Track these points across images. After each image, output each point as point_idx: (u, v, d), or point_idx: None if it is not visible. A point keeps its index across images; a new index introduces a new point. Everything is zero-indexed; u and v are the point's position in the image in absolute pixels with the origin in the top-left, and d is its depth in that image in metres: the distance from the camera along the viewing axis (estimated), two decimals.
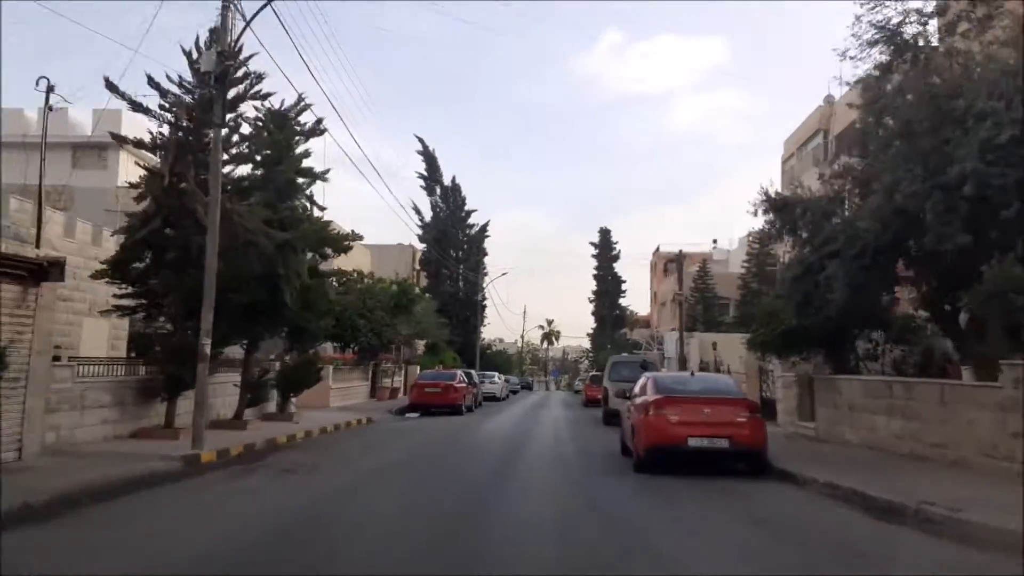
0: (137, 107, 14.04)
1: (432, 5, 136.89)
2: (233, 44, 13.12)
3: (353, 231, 17.28)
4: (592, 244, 76.44)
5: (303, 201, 17.15)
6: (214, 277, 12.65)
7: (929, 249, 9.56)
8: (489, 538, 6.89)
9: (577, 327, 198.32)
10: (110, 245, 18.50)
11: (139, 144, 14.60)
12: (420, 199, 58.65)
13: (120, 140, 14.82)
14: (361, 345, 30.02)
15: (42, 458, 10.73)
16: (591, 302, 76.92)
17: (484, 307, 61.57)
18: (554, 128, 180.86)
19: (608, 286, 75.46)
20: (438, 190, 60.25)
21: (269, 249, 13.64)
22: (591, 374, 39.07)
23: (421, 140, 60.55)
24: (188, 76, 14.51)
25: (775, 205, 13.42)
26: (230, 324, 14.23)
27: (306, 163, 17.60)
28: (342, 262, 33.83)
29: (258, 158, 16.25)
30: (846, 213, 12.68)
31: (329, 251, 17.29)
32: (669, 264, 63.85)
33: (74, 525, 7.14)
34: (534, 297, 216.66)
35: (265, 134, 15.91)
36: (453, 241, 59.44)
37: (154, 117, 14.19)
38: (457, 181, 61.00)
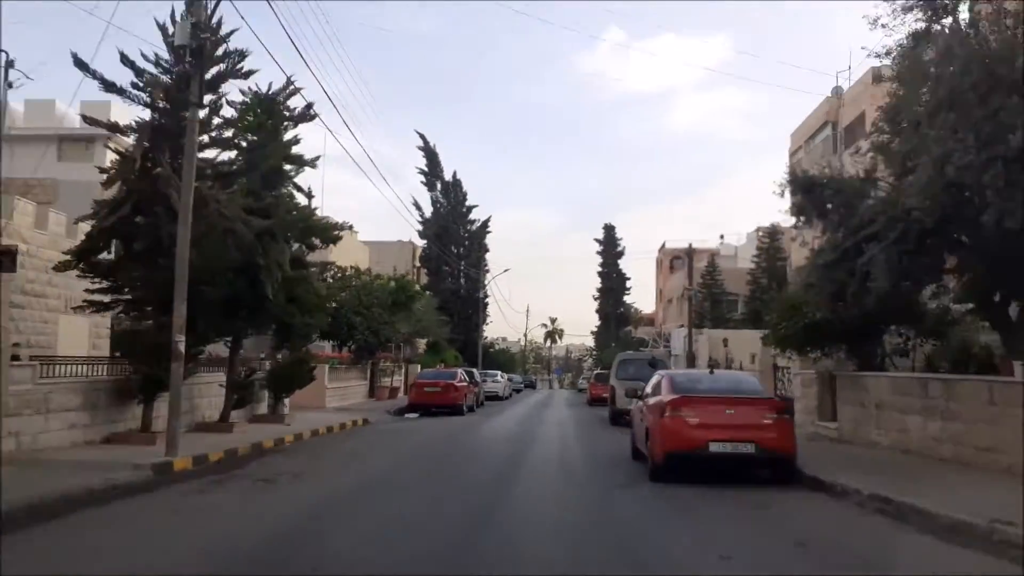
0: (109, 87, 13.01)
1: (433, 5, 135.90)
2: (210, 15, 12.09)
3: (343, 221, 16.15)
4: (596, 240, 75.39)
5: (289, 189, 16.11)
6: (186, 267, 11.62)
7: (987, 228, 8.48)
8: (489, 567, 5.85)
9: (580, 325, 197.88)
10: None
11: (114, 128, 13.58)
12: (421, 197, 57.62)
13: (93, 123, 13.79)
14: (358, 343, 28.98)
15: None
16: (595, 299, 75.90)
17: (486, 304, 60.61)
18: (555, 127, 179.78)
19: (612, 283, 74.33)
20: (439, 186, 59.18)
21: (248, 237, 12.60)
22: (596, 372, 37.99)
23: (421, 135, 59.49)
24: (165, 54, 13.50)
25: (803, 185, 12.32)
26: (207, 320, 13.20)
27: (295, 150, 16.64)
28: (339, 258, 32.83)
29: (243, 144, 15.22)
30: (880, 194, 11.58)
31: (317, 241, 16.22)
32: (675, 260, 62.93)
33: None
34: (537, 296, 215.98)
35: (250, 117, 14.86)
36: (454, 237, 58.39)
37: (128, 98, 13.17)
38: (458, 177, 59.94)
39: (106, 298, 14.38)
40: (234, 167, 14.11)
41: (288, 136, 16.42)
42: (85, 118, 13.81)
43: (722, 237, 60.51)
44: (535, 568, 5.88)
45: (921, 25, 10.86)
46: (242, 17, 21.93)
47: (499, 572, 5.71)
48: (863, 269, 10.58)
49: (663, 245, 64.47)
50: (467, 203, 60.20)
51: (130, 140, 14.16)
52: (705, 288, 47.47)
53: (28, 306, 17.32)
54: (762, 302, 44.79)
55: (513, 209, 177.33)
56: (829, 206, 12.08)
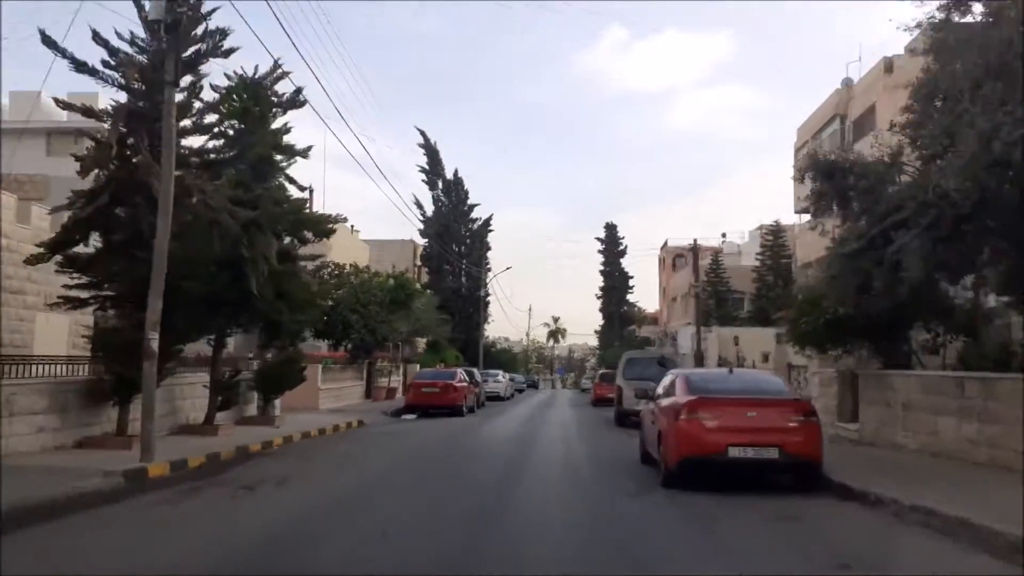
0: (81, 67, 12.18)
1: (433, 5, 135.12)
2: None
3: (337, 214, 15.28)
4: (598, 239, 74.47)
5: (280, 180, 15.27)
6: (164, 260, 10.78)
7: None
8: None
9: (583, 325, 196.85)
10: None
11: (88, 112, 12.73)
12: (422, 195, 56.80)
13: (66, 107, 12.95)
14: (354, 342, 28.12)
15: None
16: (598, 299, 75.00)
17: (487, 303, 59.76)
18: (556, 126, 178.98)
19: (615, 282, 73.39)
20: (440, 184, 58.32)
21: (234, 229, 11.75)
22: (601, 372, 37.06)
23: (422, 132, 58.60)
24: (142, 32, 12.67)
25: (824, 170, 11.42)
26: (188, 316, 12.35)
27: (290, 142, 15.82)
28: (339, 256, 32.00)
29: (230, 132, 14.39)
30: (906, 178, 10.71)
31: (309, 235, 15.36)
32: (678, 259, 62.19)
33: None
34: (539, 296, 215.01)
35: (235, 101, 14.03)
36: (455, 236, 57.54)
37: (100, 79, 12.34)
38: (459, 175, 59.07)
39: (84, 294, 13.56)
40: (220, 155, 13.22)
41: (277, 124, 15.63)
42: (57, 101, 12.96)
43: (724, 235, 59.71)
44: None
45: None
46: (242, 18, 21.08)
47: None
48: (893, 258, 9.71)
49: (665, 243, 63.69)
50: (468, 201, 59.39)
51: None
52: (710, 286, 46.63)
53: (5, 303, 16.50)
54: (768, 300, 44.15)
55: (514, 209, 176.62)
56: (852, 193, 11.20)
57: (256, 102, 14.79)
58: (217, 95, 13.88)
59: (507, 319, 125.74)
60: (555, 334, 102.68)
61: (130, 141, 12.02)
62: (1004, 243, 9.51)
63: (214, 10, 12.70)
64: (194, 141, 13.52)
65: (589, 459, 13.00)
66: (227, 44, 12.86)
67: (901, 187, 10.44)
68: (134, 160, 11.92)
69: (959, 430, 11.15)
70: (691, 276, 50.66)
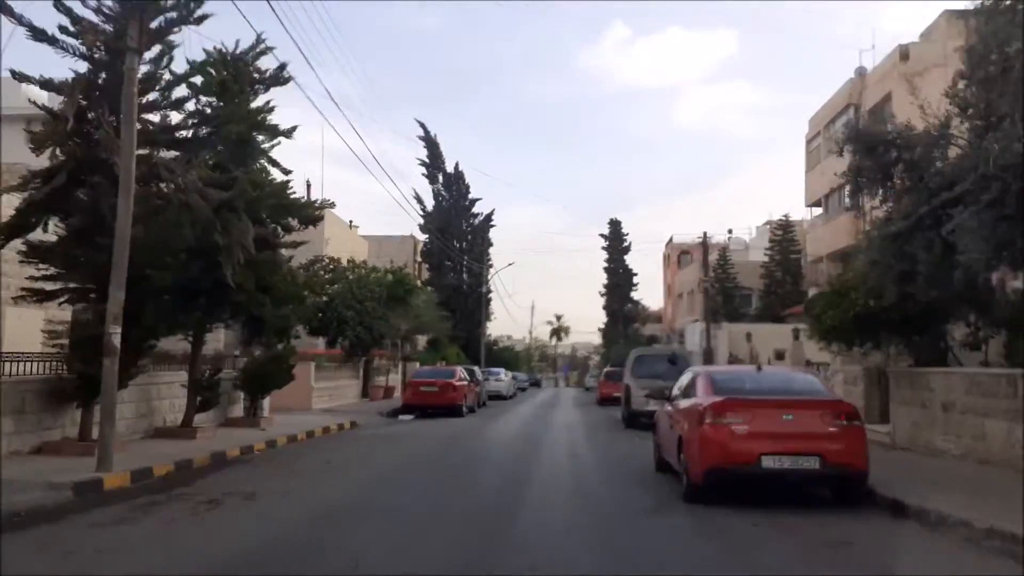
0: (39, 35, 11.02)
1: (435, 3, 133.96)
2: None
3: (324, 199, 14.09)
4: (602, 236, 73.10)
5: (262, 163, 14.14)
6: (126, 246, 9.66)
7: None
8: None
9: (586, 322, 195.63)
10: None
11: (46, 85, 11.60)
12: (423, 190, 55.69)
13: (22, 79, 11.79)
14: (350, 339, 26.99)
15: None
16: (602, 296, 73.70)
17: (489, 300, 58.62)
18: (559, 123, 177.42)
19: (619, 279, 72.11)
20: (440, 177, 57.19)
21: (205, 212, 10.61)
22: (606, 370, 35.84)
23: (422, 124, 57.49)
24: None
25: (866, 143, 10.23)
26: (158, 309, 11.23)
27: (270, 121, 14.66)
28: (337, 252, 30.86)
29: (207, 110, 13.25)
30: (955, 150, 9.54)
31: (293, 222, 14.21)
32: (683, 255, 61.04)
33: None
34: (542, 294, 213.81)
35: (211, 72, 12.89)
36: (456, 231, 56.39)
37: (60, 48, 11.19)
38: (460, 168, 57.91)
39: (51, 285, 12.45)
40: (193, 132, 12.06)
41: (259, 102, 14.48)
42: (14, 73, 11.81)
43: (730, 231, 58.62)
44: None
45: None
46: (241, 13, 19.88)
47: None
48: (946, 239, 8.55)
49: (670, 240, 62.60)
50: (470, 196, 58.23)
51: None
52: (718, 282, 45.51)
53: None
54: (777, 296, 43.05)
55: (517, 206, 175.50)
56: (895, 168, 10.03)
57: (236, 78, 13.66)
58: (189, 66, 12.69)
59: (510, 317, 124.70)
60: (558, 332, 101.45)
61: (90, 116, 10.88)
62: None
63: None
64: (153, 113, 12.25)
65: (599, 468, 11.82)
66: (201, 12, 11.77)
67: (954, 160, 9.27)
68: (95, 137, 10.78)
69: (1010, 435, 9.98)
70: (699, 271, 49.44)
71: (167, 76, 11.83)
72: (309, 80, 67.65)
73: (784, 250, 44.32)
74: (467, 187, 58.32)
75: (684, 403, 9.33)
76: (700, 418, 8.10)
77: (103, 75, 11.09)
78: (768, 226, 52.59)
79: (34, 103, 11.75)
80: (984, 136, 9.07)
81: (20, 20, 10.89)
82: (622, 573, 5.66)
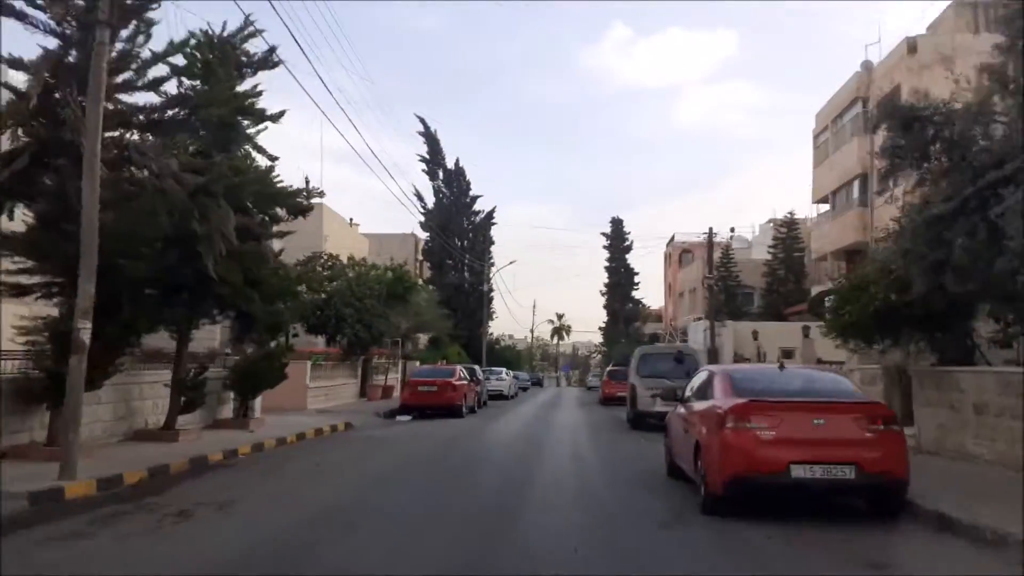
0: (4, 9, 10.29)
1: (435, 3, 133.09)
2: None
3: (313, 187, 13.25)
4: (604, 234, 72.37)
5: (246, 149, 13.36)
6: (94, 234, 8.91)
7: None
8: None
9: (588, 322, 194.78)
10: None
11: (15, 64, 10.82)
12: (423, 188, 54.86)
13: None
14: (348, 338, 26.22)
15: None
16: (603, 295, 73.01)
17: (491, 299, 57.84)
18: (560, 123, 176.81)
19: (620, 278, 71.38)
20: (440, 174, 56.37)
21: (181, 198, 9.83)
22: (609, 368, 35.02)
23: (422, 120, 56.68)
24: None
25: (902, 119, 9.41)
26: (136, 304, 10.46)
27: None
28: (336, 250, 30.07)
29: (191, 93, 12.48)
30: (996, 128, 8.76)
31: (281, 212, 13.43)
32: (684, 254, 60.29)
33: None
34: (543, 294, 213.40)
35: (193, 52, 12.13)
36: (457, 229, 55.57)
37: (30, 24, 10.44)
38: (461, 164, 57.06)
39: (28, 279, 11.68)
40: (171, 114, 11.27)
41: (245, 86, 13.72)
42: None
43: (732, 230, 57.92)
44: None
45: None
46: (239, 6, 19.11)
47: None
48: (993, 223, 7.74)
49: (672, 238, 61.89)
50: (471, 193, 57.40)
51: None
52: (720, 281, 44.80)
53: None
54: (780, 295, 42.33)
55: (518, 206, 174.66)
56: (934, 147, 9.23)
57: (222, 60, 12.89)
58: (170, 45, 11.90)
59: (511, 316, 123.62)
60: (559, 331, 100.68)
61: (57, 95, 10.12)
62: None
63: None
64: (126, 93, 11.44)
65: (605, 473, 11.02)
66: None
67: (1001, 138, 8.48)
68: (61, 116, 10.01)
69: None
70: (701, 269, 48.70)
71: (145, 55, 11.10)
72: (308, 78, 66.97)
73: (788, 248, 43.70)
74: (468, 184, 57.53)
75: (700, 405, 8.56)
76: (720, 422, 7.32)
77: (73, 53, 10.33)
78: (771, 224, 51.90)
79: (8, 87, 10.98)
80: None
81: None
82: None
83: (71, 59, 10.37)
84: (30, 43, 11.09)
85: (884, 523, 7.06)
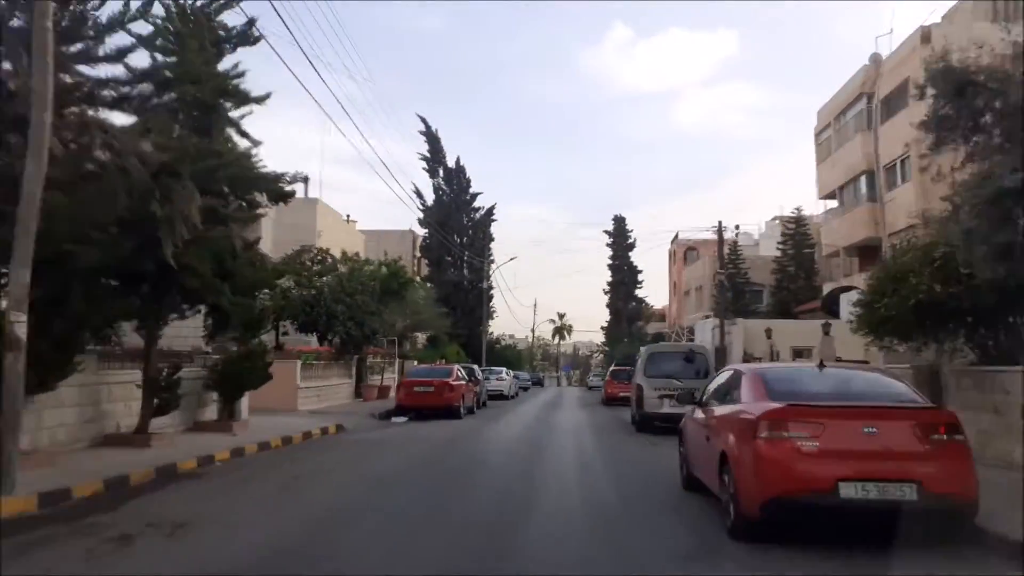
0: None
1: (435, 3, 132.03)
2: None
3: (296, 172, 12.17)
4: (606, 232, 71.41)
5: (228, 132, 12.32)
6: (34, 216, 7.86)
7: None
8: None
9: (589, 321, 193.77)
10: None
11: None
12: (423, 186, 53.84)
13: None
14: (339, 335, 25.15)
15: None
16: (605, 294, 72.11)
17: (491, 296, 56.78)
18: (561, 123, 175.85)
19: (623, 276, 70.42)
20: (441, 172, 55.43)
21: (143, 177, 8.76)
22: (613, 368, 33.90)
23: (423, 119, 55.85)
24: None
25: (956, 83, 8.32)
26: (89, 296, 9.39)
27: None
28: (332, 247, 29.01)
29: (159, 66, 11.43)
30: None
31: (261, 198, 12.35)
32: (689, 252, 59.23)
33: None
34: (544, 293, 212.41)
35: (169, 28, 11.09)
36: (457, 226, 54.55)
37: None
38: (461, 163, 56.05)
39: None
40: (141, 90, 10.18)
41: (226, 65, 12.70)
42: None
43: (737, 227, 56.90)
44: None
45: None
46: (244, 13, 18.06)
47: None
48: None
49: (676, 236, 60.90)
50: (471, 190, 56.39)
51: None
52: (728, 278, 43.72)
53: None
54: (789, 292, 41.27)
55: (519, 206, 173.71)
56: (989, 116, 8.16)
57: (195, 32, 11.85)
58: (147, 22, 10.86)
59: (512, 315, 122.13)
60: (560, 331, 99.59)
61: (6, 66, 9.07)
62: None
63: None
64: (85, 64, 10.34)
65: (614, 485, 9.90)
66: None
67: None
68: (12, 89, 8.96)
69: None
70: (707, 267, 47.77)
71: (104, 18, 10.02)
72: (307, 73, 65.95)
73: (797, 244, 42.68)
74: (468, 181, 56.58)
75: (724, 410, 7.48)
76: (753, 430, 6.25)
77: (18, 16, 9.26)
78: (777, 221, 50.88)
79: None
80: None
81: None
82: None
83: (18, 22, 9.31)
84: None
85: (943, 549, 5.98)
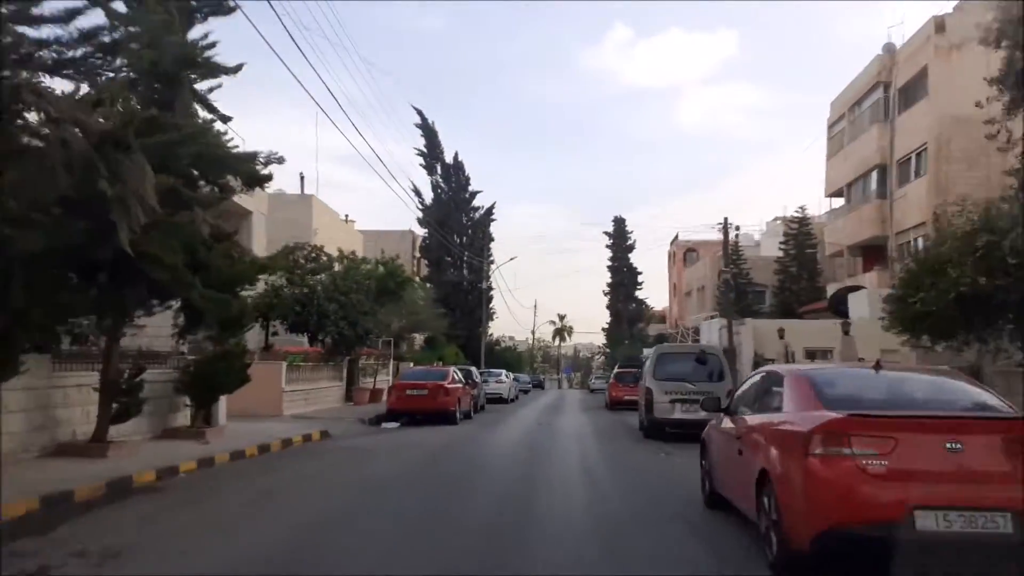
0: None
1: (436, 4, 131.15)
2: None
3: (272, 152, 10.97)
4: (606, 233, 70.41)
5: (194, 108, 11.18)
6: None
7: None
8: None
9: (587, 324, 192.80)
10: None
11: None
12: (421, 183, 52.65)
13: None
14: (331, 336, 23.99)
15: None
16: (605, 295, 71.12)
17: (491, 297, 55.63)
18: (561, 123, 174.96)
19: (623, 278, 69.42)
20: (439, 168, 54.21)
21: (82, 147, 7.61)
22: (617, 370, 32.65)
23: (420, 112, 54.48)
24: None
25: None
26: (33, 288, 8.23)
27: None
28: (329, 247, 27.87)
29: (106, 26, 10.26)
30: None
31: (235, 182, 11.19)
32: (689, 252, 58.18)
33: None
34: (544, 294, 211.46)
35: None
36: (456, 225, 53.41)
37: None
38: (459, 158, 54.87)
39: None
40: (86, 52, 9.02)
41: (195, 34, 11.56)
42: None
43: (738, 228, 55.85)
44: None
45: None
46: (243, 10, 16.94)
47: None
48: None
49: (676, 237, 59.97)
50: (470, 188, 55.25)
51: None
52: (731, 278, 42.65)
53: None
54: (792, 293, 40.23)
55: (519, 206, 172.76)
56: None
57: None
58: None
59: (512, 317, 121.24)
60: (561, 332, 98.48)
61: None
62: None
63: None
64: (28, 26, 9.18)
65: (627, 502, 8.71)
66: None
67: None
68: None
69: None
70: (708, 267, 46.70)
71: None
72: (307, 72, 64.88)
73: (799, 244, 41.68)
74: (467, 179, 55.42)
75: (761, 419, 6.33)
76: (804, 446, 5.09)
77: None
78: (779, 221, 49.84)
79: None
80: None
81: None
82: None
83: None
84: None
85: None
